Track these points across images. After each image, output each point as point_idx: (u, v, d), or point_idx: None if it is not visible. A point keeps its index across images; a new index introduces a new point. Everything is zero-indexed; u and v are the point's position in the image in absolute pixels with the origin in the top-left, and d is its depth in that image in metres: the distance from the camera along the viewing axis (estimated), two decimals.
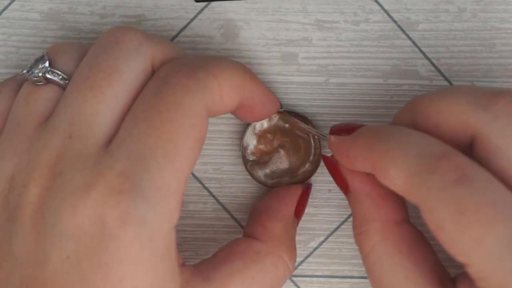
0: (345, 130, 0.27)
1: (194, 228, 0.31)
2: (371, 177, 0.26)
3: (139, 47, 0.25)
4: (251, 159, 0.30)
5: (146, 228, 0.22)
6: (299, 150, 0.30)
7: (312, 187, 0.31)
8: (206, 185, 0.31)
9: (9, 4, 0.31)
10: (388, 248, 0.26)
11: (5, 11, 0.31)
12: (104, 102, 0.24)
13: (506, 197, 0.22)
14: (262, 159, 0.30)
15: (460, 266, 0.23)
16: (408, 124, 0.26)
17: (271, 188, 0.30)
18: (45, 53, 0.26)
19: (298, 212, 0.29)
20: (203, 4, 0.30)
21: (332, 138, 0.27)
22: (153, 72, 0.25)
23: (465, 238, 0.22)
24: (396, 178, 0.23)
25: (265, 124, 0.30)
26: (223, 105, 0.25)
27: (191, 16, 0.31)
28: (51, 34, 0.31)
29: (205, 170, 0.31)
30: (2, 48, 0.31)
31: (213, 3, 0.31)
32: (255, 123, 0.30)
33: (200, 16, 0.31)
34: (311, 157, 0.30)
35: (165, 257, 0.23)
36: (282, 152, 0.30)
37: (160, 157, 0.23)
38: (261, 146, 0.30)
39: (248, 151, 0.30)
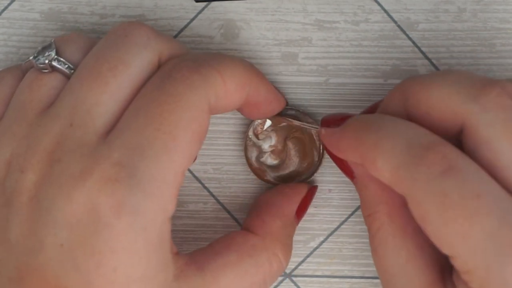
0: (335, 121, 0.27)
1: (194, 228, 0.31)
2: None
3: (147, 42, 0.25)
4: (269, 163, 0.30)
5: (140, 218, 0.22)
6: (307, 151, 0.30)
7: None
8: (206, 185, 0.31)
9: (9, 4, 0.31)
10: (394, 230, 0.26)
11: (5, 11, 0.31)
12: (107, 93, 0.24)
13: (492, 189, 0.22)
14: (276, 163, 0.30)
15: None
16: (398, 106, 0.26)
17: (274, 185, 0.30)
18: (53, 41, 0.26)
19: (300, 212, 0.29)
20: (203, 4, 0.31)
21: (323, 130, 0.27)
22: (159, 66, 0.25)
23: (450, 231, 0.22)
24: (384, 170, 0.23)
25: (266, 124, 0.30)
26: (227, 102, 0.25)
27: (191, 16, 0.31)
28: (51, 34, 0.31)
29: (205, 170, 0.31)
30: (2, 48, 0.31)
31: (213, 3, 0.31)
32: (255, 123, 0.30)
33: (200, 16, 0.31)
34: (316, 154, 0.30)
35: (158, 247, 0.23)
36: (293, 157, 0.30)
37: (158, 148, 0.23)
38: (274, 155, 0.30)
39: (264, 156, 0.30)
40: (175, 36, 0.31)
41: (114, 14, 0.31)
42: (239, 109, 0.28)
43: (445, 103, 0.24)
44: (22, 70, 0.27)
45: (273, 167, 0.30)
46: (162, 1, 0.31)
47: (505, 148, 0.23)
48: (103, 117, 0.24)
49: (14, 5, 0.31)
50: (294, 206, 0.29)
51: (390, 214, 0.26)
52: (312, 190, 0.30)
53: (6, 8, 0.31)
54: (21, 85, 0.26)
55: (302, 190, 0.30)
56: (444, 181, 0.22)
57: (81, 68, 0.25)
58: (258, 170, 0.30)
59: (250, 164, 0.30)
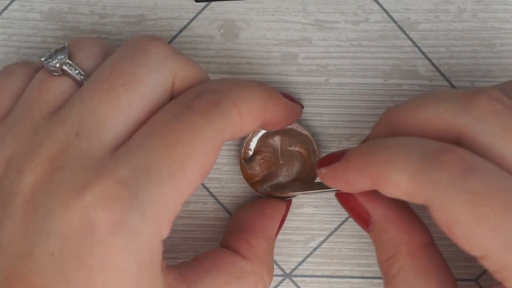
0: (332, 158, 0.26)
1: (194, 228, 0.31)
2: (392, 203, 0.26)
3: (164, 60, 0.25)
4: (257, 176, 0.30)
5: (135, 239, 0.22)
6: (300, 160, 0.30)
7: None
8: (206, 185, 0.31)
9: (9, 4, 0.31)
10: (416, 270, 0.25)
11: (5, 11, 0.31)
12: (117, 107, 0.24)
13: None
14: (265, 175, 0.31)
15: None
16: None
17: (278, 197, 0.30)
18: (67, 44, 0.26)
19: (279, 230, 0.29)
20: (203, 4, 0.31)
21: (323, 170, 0.26)
22: (172, 88, 0.25)
23: (481, 229, 0.22)
24: (400, 182, 0.23)
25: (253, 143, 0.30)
26: (242, 133, 0.25)
27: (191, 16, 0.31)
28: (51, 34, 0.31)
29: None
30: (2, 48, 0.31)
31: (213, 3, 0.31)
32: (245, 143, 0.30)
33: (200, 16, 0.31)
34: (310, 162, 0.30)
35: (149, 268, 0.23)
36: (284, 168, 0.30)
37: (165, 175, 0.23)
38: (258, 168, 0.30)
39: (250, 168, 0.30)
40: (175, 36, 0.31)
41: (114, 14, 0.31)
42: None
43: (437, 121, 0.24)
44: (34, 68, 0.27)
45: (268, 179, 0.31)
46: (162, 1, 0.31)
47: (507, 150, 0.23)
48: (110, 132, 0.24)
49: (14, 5, 0.31)
50: (277, 226, 0.29)
51: (412, 255, 0.25)
52: (288, 205, 0.30)
53: (6, 8, 0.31)
54: (31, 84, 0.26)
55: (282, 209, 0.30)
56: (468, 180, 0.22)
57: (94, 78, 0.25)
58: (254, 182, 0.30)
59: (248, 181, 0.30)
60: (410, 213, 0.26)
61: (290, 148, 0.30)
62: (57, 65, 0.25)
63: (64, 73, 0.25)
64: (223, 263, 0.27)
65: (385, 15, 0.30)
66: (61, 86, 0.25)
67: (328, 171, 0.26)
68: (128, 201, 0.22)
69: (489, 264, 0.22)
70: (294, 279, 0.31)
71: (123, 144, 0.24)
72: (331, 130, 0.31)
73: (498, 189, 0.22)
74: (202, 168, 0.24)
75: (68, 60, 0.25)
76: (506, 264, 0.22)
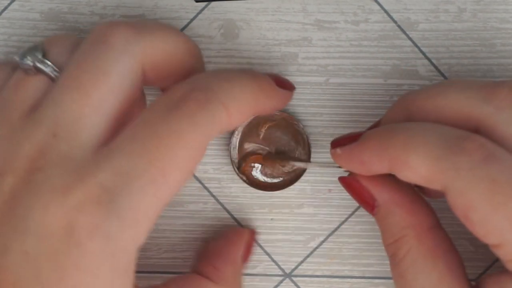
0: (347, 140, 0.26)
1: (194, 228, 0.31)
2: (397, 186, 0.26)
3: (126, 46, 0.24)
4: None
5: (112, 245, 0.22)
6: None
7: (312, 187, 0.31)
8: (206, 185, 0.31)
9: (9, 4, 0.31)
10: (424, 252, 0.25)
11: (5, 11, 0.31)
12: (90, 105, 0.23)
13: None
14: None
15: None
16: (401, 121, 0.26)
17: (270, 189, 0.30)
18: (40, 42, 0.26)
19: (246, 255, 0.30)
20: (203, 4, 0.31)
21: (338, 150, 0.26)
22: (144, 71, 0.25)
23: (498, 216, 0.22)
24: (419, 167, 0.23)
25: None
26: (229, 130, 0.25)
27: (191, 16, 0.31)
28: (51, 34, 0.31)
29: (205, 170, 0.31)
30: (2, 48, 0.31)
31: (213, 3, 0.31)
32: (235, 139, 0.30)
33: (200, 16, 0.31)
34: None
35: (122, 275, 0.23)
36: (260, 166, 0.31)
37: (146, 181, 0.22)
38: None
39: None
40: None
41: (114, 14, 0.31)
42: None
43: (456, 109, 0.24)
44: (12, 68, 0.26)
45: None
46: (162, 1, 0.31)
47: None
48: (88, 131, 0.23)
49: (14, 5, 0.31)
50: (240, 249, 0.29)
51: (419, 237, 0.25)
52: (252, 233, 0.30)
53: (6, 8, 0.31)
54: (8, 83, 0.25)
55: (244, 235, 0.30)
56: (488, 167, 0.22)
57: (63, 76, 0.24)
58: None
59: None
60: (415, 196, 0.26)
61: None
62: (30, 63, 0.25)
63: (38, 70, 0.25)
64: (190, 286, 0.27)
65: (385, 15, 0.30)
66: (36, 84, 0.25)
67: (344, 152, 0.26)
68: (107, 206, 0.22)
69: (503, 253, 0.23)
70: (294, 279, 0.31)
71: (107, 142, 0.23)
72: (331, 130, 0.31)
73: None
74: (184, 172, 0.23)
75: (40, 57, 0.25)
76: None
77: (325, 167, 0.30)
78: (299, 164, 0.30)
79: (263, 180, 0.30)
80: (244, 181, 0.30)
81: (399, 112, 0.26)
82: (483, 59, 0.31)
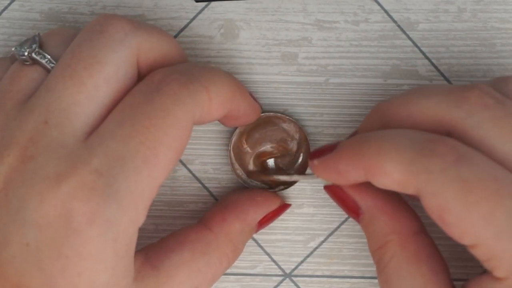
0: (324, 151, 0.26)
1: None
2: (381, 193, 0.26)
3: (124, 37, 0.25)
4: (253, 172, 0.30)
5: (112, 229, 0.22)
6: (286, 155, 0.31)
7: (312, 187, 0.31)
8: (206, 185, 0.31)
9: (9, 4, 0.31)
10: (408, 257, 0.25)
11: (5, 11, 0.31)
12: (84, 92, 0.23)
13: (506, 173, 0.22)
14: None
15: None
16: (376, 129, 0.26)
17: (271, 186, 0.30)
18: (37, 34, 0.26)
19: (263, 223, 0.29)
20: (203, 4, 0.31)
21: (315, 161, 0.26)
22: (138, 64, 0.25)
23: (472, 216, 0.22)
24: (393, 172, 0.23)
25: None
26: (209, 117, 0.25)
27: (191, 16, 0.31)
28: None
29: (205, 170, 0.31)
30: (2, 48, 0.31)
31: (213, 3, 0.31)
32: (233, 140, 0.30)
33: (200, 16, 0.31)
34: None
35: (125, 256, 0.23)
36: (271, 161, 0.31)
37: (139, 162, 0.23)
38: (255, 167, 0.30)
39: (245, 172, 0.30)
40: (175, 37, 0.31)
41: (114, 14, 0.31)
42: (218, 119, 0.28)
43: (428, 115, 0.24)
44: (11, 61, 0.26)
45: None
46: (162, 1, 0.31)
47: (498, 143, 0.23)
48: (80, 118, 0.23)
49: (14, 5, 0.31)
50: (259, 216, 0.29)
51: (402, 243, 0.25)
52: (283, 207, 0.30)
53: (6, 8, 0.31)
54: (5, 75, 0.26)
55: (274, 203, 0.29)
56: (459, 168, 0.22)
57: (58, 65, 0.25)
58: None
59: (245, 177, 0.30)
60: (399, 202, 0.26)
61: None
62: (26, 53, 0.25)
63: (34, 61, 0.25)
64: (187, 240, 0.27)
65: (385, 15, 0.30)
66: (32, 75, 0.25)
67: (320, 163, 0.26)
68: (104, 190, 0.22)
69: (479, 253, 0.23)
70: (294, 279, 0.31)
71: (96, 129, 0.23)
72: (331, 130, 0.31)
73: (490, 177, 0.22)
74: (175, 151, 0.24)
75: (37, 48, 0.25)
76: (496, 253, 0.22)
77: (308, 179, 0.30)
78: (284, 178, 0.30)
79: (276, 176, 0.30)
80: (243, 180, 0.30)
81: (374, 121, 0.26)
82: (483, 59, 0.31)
